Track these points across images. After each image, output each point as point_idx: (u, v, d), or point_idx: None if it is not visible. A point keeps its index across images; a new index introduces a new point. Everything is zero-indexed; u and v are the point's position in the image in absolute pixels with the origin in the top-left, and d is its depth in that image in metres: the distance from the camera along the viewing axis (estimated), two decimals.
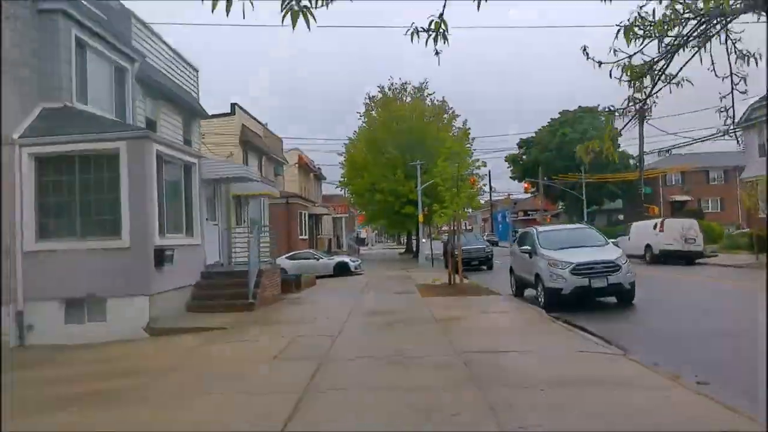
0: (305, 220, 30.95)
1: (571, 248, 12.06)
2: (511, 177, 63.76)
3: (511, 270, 14.91)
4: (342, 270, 24.23)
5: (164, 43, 15.92)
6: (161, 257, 10.67)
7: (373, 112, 41.06)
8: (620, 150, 55.74)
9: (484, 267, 26.22)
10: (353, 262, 25.14)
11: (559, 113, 57.45)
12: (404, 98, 40.94)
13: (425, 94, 40.63)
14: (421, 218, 33.46)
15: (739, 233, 33.10)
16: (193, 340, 9.26)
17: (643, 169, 34.75)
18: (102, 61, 12.64)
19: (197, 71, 18.75)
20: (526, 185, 51.60)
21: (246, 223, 17.42)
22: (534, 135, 60.51)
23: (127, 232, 10.27)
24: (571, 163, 53.51)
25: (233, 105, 27.63)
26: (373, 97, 41.08)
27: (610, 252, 12.13)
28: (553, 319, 9.85)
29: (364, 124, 41.74)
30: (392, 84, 40.75)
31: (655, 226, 25.88)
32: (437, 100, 40.50)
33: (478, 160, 15.75)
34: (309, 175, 48.58)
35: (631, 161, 54.56)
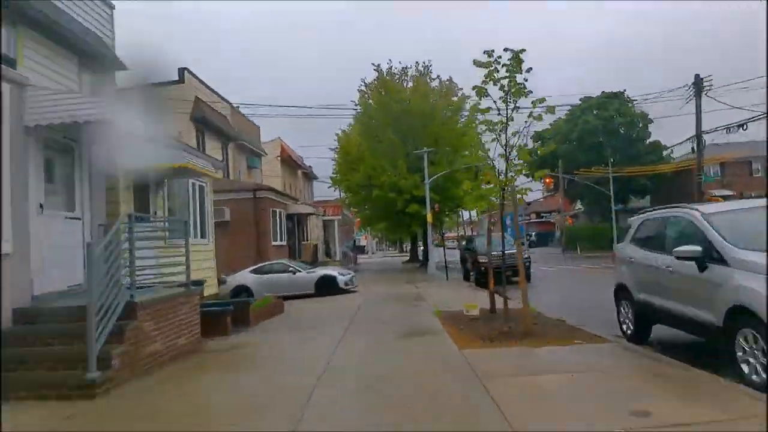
0: (281, 221, 24.15)
1: None
2: (525, 174, 56.74)
3: (621, 291, 8.07)
4: (327, 286, 17.57)
5: None
6: None
7: (370, 101, 34.22)
8: (651, 139, 49.28)
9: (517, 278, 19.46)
10: (343, 275, 18.43)
11: (580, 100, 50.60)
12: (405, 84, 34.27)
13: (428, 78, 33.99)
14: (429, 218, 26.87)
15: None
16: None
17: (702, 152, 27.93)
18: None
19: (112, 8, 12.24)
20: (547, 180, 44.51)
21: (163, 215, 10.66)
22: (549, 127, 53.64)
23: None
24: (594, 155, 46.93)
25: (182, 70, 20.97)
26: (370, 83, 34.21)
27: None
28: None
29: (359, 112, 34.88)
30: (391, 67, 34.00)
31: None
32: (444, 81, 33.79)
33: (543, 99, 8.69)
34: (296, 172, 41.80)
35: (665, 152, 47.81)
